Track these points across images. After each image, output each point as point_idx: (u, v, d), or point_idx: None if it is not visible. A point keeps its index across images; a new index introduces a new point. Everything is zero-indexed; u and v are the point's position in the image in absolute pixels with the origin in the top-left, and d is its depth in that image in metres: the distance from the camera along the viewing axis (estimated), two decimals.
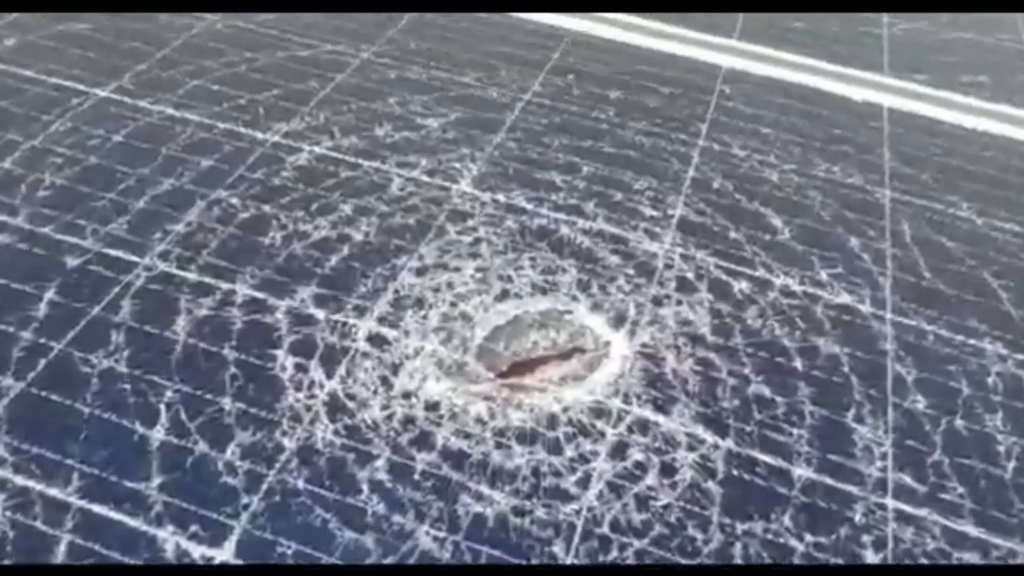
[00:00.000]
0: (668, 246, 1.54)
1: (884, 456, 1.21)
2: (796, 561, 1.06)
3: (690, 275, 1.48)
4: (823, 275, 1.52)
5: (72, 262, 1.35)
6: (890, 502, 1.15)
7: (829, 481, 1.17)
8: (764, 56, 2.23)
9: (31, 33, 1.94)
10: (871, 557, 1.08)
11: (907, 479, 1.19)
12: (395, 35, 2.11)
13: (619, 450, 1.16)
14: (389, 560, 1.01)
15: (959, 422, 1.27)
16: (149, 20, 2.03)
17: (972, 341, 1.42)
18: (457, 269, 1.42)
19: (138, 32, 1.98)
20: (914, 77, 2.21)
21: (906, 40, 2.40)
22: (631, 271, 1.47)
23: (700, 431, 1.20)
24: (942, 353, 1.39)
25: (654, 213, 1.61)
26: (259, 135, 1.69)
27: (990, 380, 1.35)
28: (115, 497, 1.04)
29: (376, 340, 1.28)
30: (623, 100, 1.97)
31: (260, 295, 1.33)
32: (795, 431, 1.23)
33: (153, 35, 1.98)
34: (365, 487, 1.08)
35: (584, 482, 1.12)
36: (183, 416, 1.14)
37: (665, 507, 1.10)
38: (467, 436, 1.15)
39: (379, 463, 1.11)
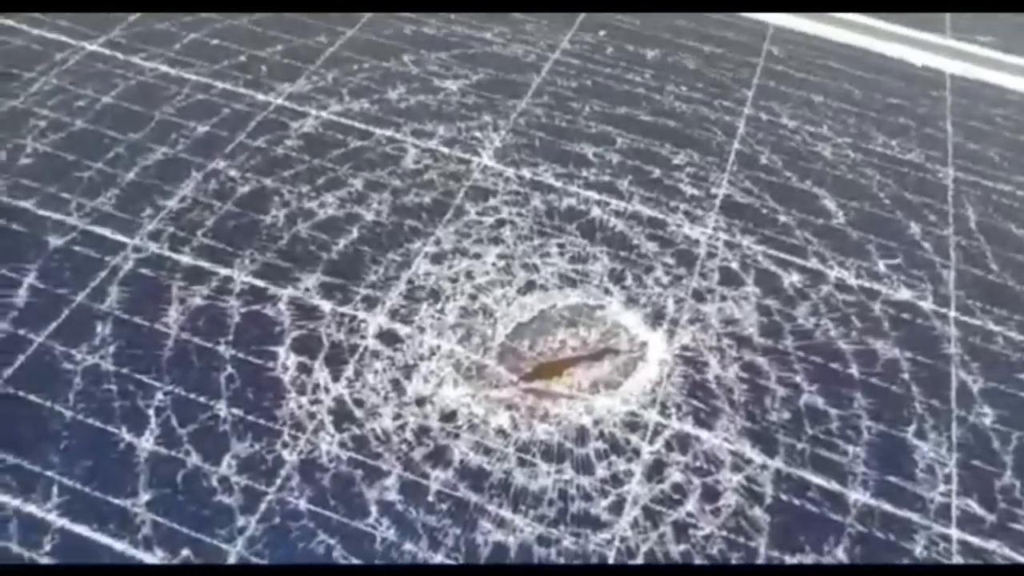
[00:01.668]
0: (711, 231, 1.39)
1: (948, 478, 1.09)
2: None
3: (735, 265, 1.34)
4: (881, 266, 1.37)
5: (55, 242, 1.23)
6: (954, 532, 1.04)
7: (888, 507, 1.05)
8: (814, 13, 2.03)
9: None
10: None
11: (973, 505, 1.07)
12: None
13: (656, 470, 1.05)
14: None
15: None
16: None
17: None
18: (477, 256, 1.29)
19: None
20: (979, 39, 2.01)
21: None
22: (670, 260, 1.33)
23: (746, 449, 1.08)
24: (1012, 359, 1.26)
25: (695, 192, 1.46)
26: (261, 96, 1.54)
27: None
28: (99, 516, 0.94)
29: (387, 337, 1.16)
30: (660, 60, 1.79)
31: (260, 283, 1.21)
32: (851, 448, 1.11)
33: None
34: (374, 509, 0.97)
35: (617, 507, 1.00)
36: (174, 422, 1.03)
37: (707, 537, 0.99)
38: (487, 451, 1.04)
39: (389, 481, 1.00)
